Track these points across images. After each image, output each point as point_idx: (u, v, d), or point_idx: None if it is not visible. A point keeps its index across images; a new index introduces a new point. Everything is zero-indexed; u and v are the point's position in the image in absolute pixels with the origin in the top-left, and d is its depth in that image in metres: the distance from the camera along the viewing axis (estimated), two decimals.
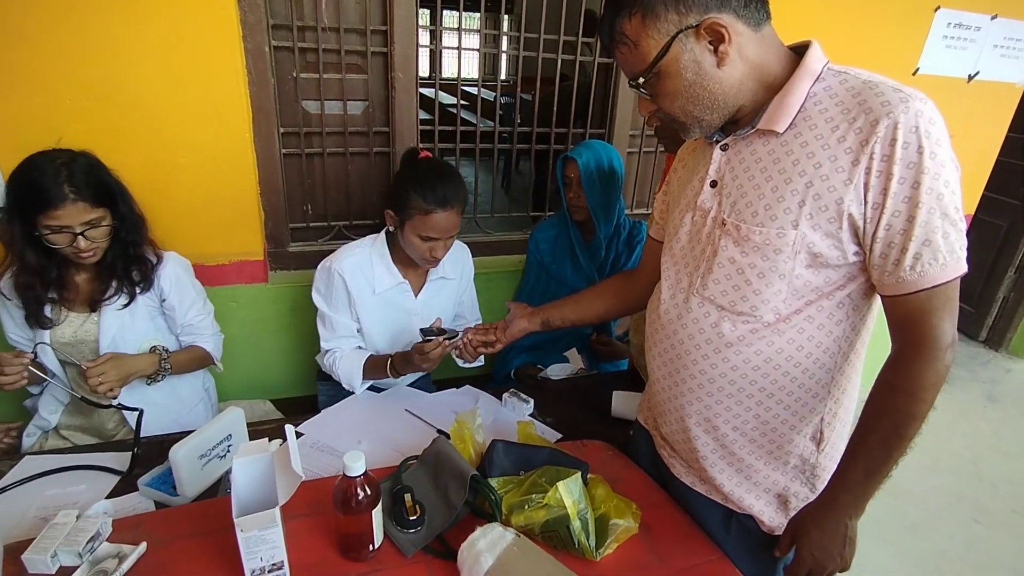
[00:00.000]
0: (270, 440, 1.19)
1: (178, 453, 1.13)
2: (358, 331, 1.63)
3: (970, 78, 2.54)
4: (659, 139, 1.50)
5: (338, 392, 1.68)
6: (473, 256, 1.80)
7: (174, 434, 1.38)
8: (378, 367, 1.57)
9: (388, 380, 1.74)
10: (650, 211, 2.47)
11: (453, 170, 1.50)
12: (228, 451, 1.26)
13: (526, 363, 2.00)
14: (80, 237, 1.31)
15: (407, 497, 1.09)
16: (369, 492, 0.98)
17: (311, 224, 1.99)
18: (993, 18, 2.45)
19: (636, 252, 1.95)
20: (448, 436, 1.26)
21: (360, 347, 1.64)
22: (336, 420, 1.50)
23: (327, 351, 1.63)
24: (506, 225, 2.34)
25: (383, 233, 1.60)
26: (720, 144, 0.97)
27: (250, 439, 1.33)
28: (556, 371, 1.85)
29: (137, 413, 1.31)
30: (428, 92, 3.04)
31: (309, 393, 1.94)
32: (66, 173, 1.27)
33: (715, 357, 0.98)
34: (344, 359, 1.61)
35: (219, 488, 1.23)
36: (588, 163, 1.82)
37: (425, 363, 1.45)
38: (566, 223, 1.95)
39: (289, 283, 1.94)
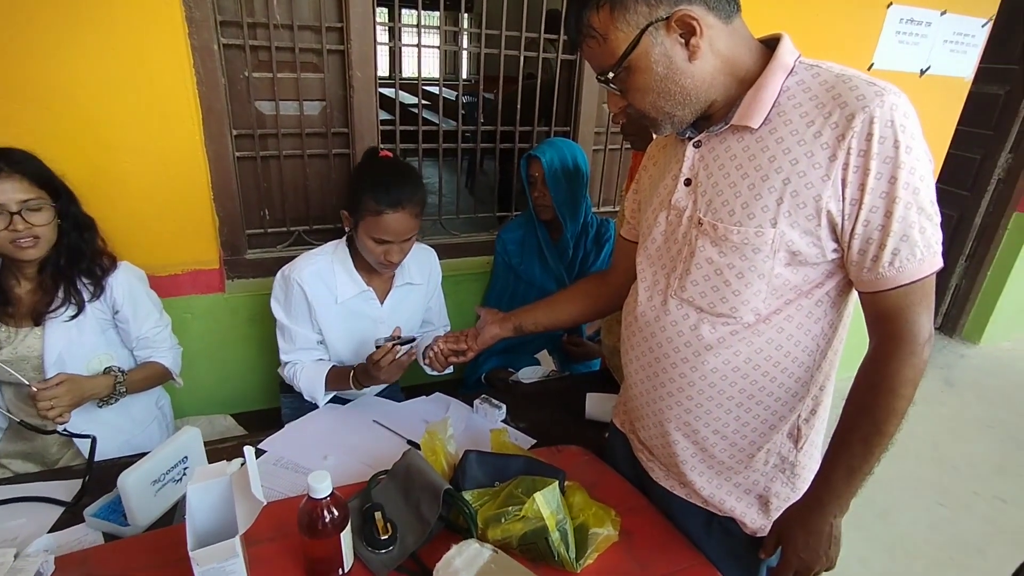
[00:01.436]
0: (231, 460, 1.13)
1: (127, 480, 1.05)
2: (320, 343, 1.56)
3: (922, 72, 2.60)
4: (625, 136, 1.47)
5: (302, 404, 1.61)
6: (440, 258, 1.75)
7: (125, 457, 1.30)
8: (341, 378, 1.51)
9: (353, 391, 1.68)
10: (617, 209, 2.46)
11: (410, 170, 1.44)
12: (184, 474, 1.19)
13: (497, 367, 1.96)
14: (16, 217, 1.21)
15: (378, 515, 1.04)
16: (336, 514, 0.93)
17: (269, 230, 1.91)
18: (943, 14, 2.52)
19: (605, 250, 1.92)
20: (419, 446, 1.21)
21: (322, 359, 1.58)
22: (300, 435, 1.43)
23: (287, 363, 1.56)
24: (472, 226, 2.29)
25: (345, 239, 1.54)
26: (693, 141, 0.95)
27: (209, 460, 1.26)
28: (528, 374, 1.82)
29: (90, 440, 1.22)
30: (388, 92, 2.98)
31: (272, 406, 1.87)
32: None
33: (695, 360, 0.95)
34: (305, 371, 1.54)
35: (175, 515, 1.16)
36: (552, 161, 1.78)
37: (381, 374, 1.39)
38: (533, 223, 1.92)
39: (247, 292, 1.86)
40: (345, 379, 1.49)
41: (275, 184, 1.88)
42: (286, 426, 1.47)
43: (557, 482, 1.05)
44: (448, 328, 1.80)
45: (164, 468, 1.14)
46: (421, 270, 1.64)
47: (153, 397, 1.58)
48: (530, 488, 1.03)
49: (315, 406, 1.54)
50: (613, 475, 1.26)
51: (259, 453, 1.33)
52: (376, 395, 1.73)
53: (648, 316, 1.02)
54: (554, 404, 1.61)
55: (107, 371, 1.37)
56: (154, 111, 1.57)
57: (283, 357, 1.56)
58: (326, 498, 0.92)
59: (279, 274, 1.51)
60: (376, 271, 1.53)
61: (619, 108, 0.94)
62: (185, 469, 1.19)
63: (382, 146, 1.80)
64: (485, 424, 1.50)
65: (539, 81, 2.20)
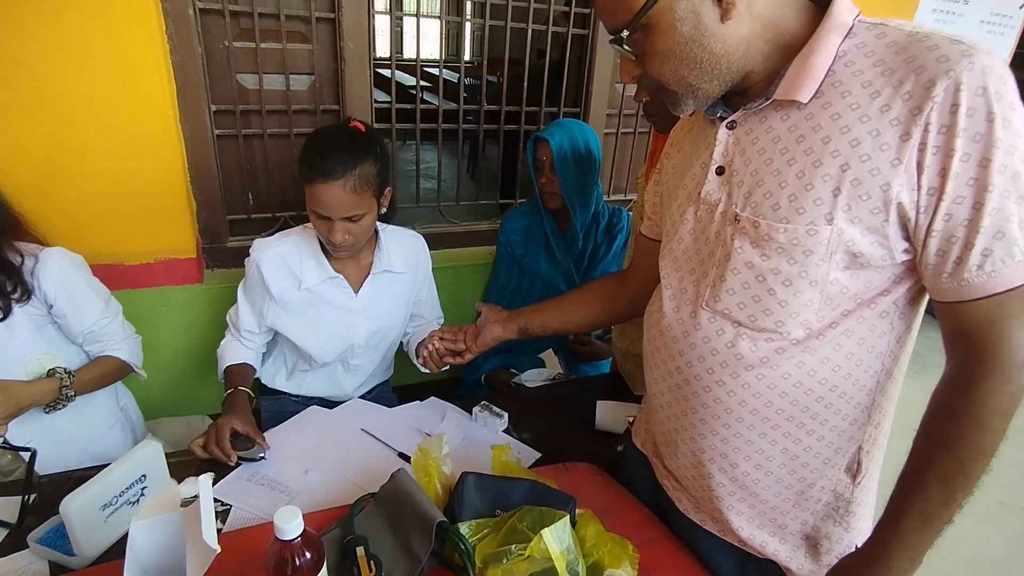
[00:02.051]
0: (203, 475, 1.00)
1: (71, 506, 0.91)
2: (261, 336, 1.46)
3: None
4: (648, 116, 1.31)
5: (283, 407, 1.48)
6: (438, 248, 1.62)
7: (81, 470, 1.16)
8: (230, 381, 1.37)
9: (339, 392, 1.55)
10: (630, 198, 2.30)
11: (358, 139, 1.27)
12: (143, 495, 1.04)
13: (497, 367, 1.81)
14: None
15: (360, 551, 0.89)
16: (308, 556, 0.78)
17: (252, 216, 1.76)
18: None
19: (617, 242, 1.77)
20: (409, 459, 1.07)
21: (246, 362, 1.43)
22: (280, 444, 1.29)
23: (227, 328, 1.47)
24: (473, 214, 2.14)
25: None
26: (726, 121, 0.79)
27: (175, 475, 1.12)
28: (531, 376, 1.67)
29: (30, 454, 1.07)
30: (385, 72, 2.81)
31: (254, 407, 1.71)
32: None
33: (733, 383, 0.80)
34: (228, 345, 1.44)
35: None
36: (561, 144, 1.63)
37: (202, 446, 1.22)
38: (539, 211, 1.76)
39: (228, 283, 1.70)
40: (228, 386, 1.34)
41: (259, 166, 1.73)
42: (264, 434, 1.33)
43: (568, 516, 0.91)
44: (441, 321, 1.66)
45: (116, 490, 1.00)
46: (405, 258, 1.49)
47: (112, 397, 1.42)
48: (537, 522, 0.89)
49: (298, 409, 1.41)
50: (629, 499, 1.12)
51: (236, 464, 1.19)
52: (365, 396, 1.60)
53: (675, 330, 0.87)
54: (561, 412, 1.47)
55: (51, 373, 1.22)
56: (121, 83, 1.41)
57: (228, 318, 1.45)
58: (296, 539, 0.78)
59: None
60: (348, 257, 1.39)
61: (633, 77, 0.78)
62: (144, 490, 1.05)
63: (377, 125, 1.65)
64: (485, 434, 1.36)
65: (547, 59, 2.03)
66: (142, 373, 1.40)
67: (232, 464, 1.18)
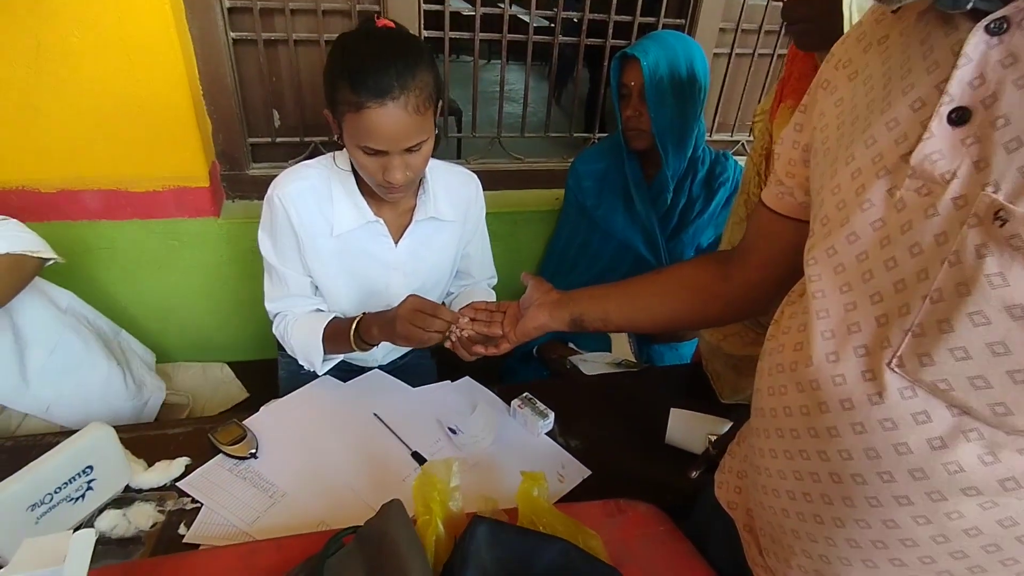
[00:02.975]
0: (173, 460, 0.91)
1: None
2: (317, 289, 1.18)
3: None
4: (790, 22, 0.88)
5: (300, 368, 1.25)
6: (495, 189, 1.28)
7: (52, 435, 1.00)
8: (342, 336, 1.10)
9: (366, 356, 1.29)
10: (735, 139, 1.86)
11: (407, 44, 0.94)
12: (89, 489, 0.85)
13: (555, 339, 1.51)
14: None
15: None
16: None
17: (278, 139, 1.50)
18: None
19: (717, 198, 1.39)
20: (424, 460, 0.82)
21: (320, 310, 1.19)
22: (275, 426, 1.07)
23: (275, 314, 1.19)
24: (543, 149, 1.78)
25: None
26: (987, 20, 0.41)
27: (152, 452, 0.94)
28: (594, 361, 1.36)
29: None
30: None
31: (273, 356, 1.52)
32: None
33: (930, 507, 0.47)
34: (298, 326, 1.16)
35: None
36: (657, 65, 1.23)
37: (412, 337, 0.98)
38: (620, 152, 1.39)
39: (249, 217, 1.48)
40: (346, 336, 1.08)
41: (286, 80, 1.45)
42: (262, 408, 1.12)
43: None
44: (494, 282, 1.37)
45: (51, 486, 0.81)
46: (455, 202, 1.18)
47: (92, 343, 1.22)
48: None
49: (313, 374, 1.18)
50: (701, 565, 0.82)
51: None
52: (397, 363, 1.36)
53: (829, 391, 0.52)
54: (622, 414, 1.16)
55: None
56: None
57: (269, 306, 1.18)
58: None
59: (266, 195, 1.10)
60: (400, 199, 1.10)
61: None
62: (91, 483, 0.85)
63: (425, 34, 1.31)
64: (522, 435, 1.09)
65: None
66: (56, 258, 1.11)
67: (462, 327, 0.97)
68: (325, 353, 1.13)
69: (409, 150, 0.96)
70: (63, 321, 1.24)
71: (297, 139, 1.51)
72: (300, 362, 1.18)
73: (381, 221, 1.12)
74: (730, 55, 1.69)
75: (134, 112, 1.26)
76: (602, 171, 1.45)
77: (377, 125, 0.91)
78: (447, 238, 1.21)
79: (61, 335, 1.22)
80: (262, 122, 1.48)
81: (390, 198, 1.06)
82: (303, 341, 1.15)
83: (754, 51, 1.71)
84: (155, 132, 1.30)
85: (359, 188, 1.09)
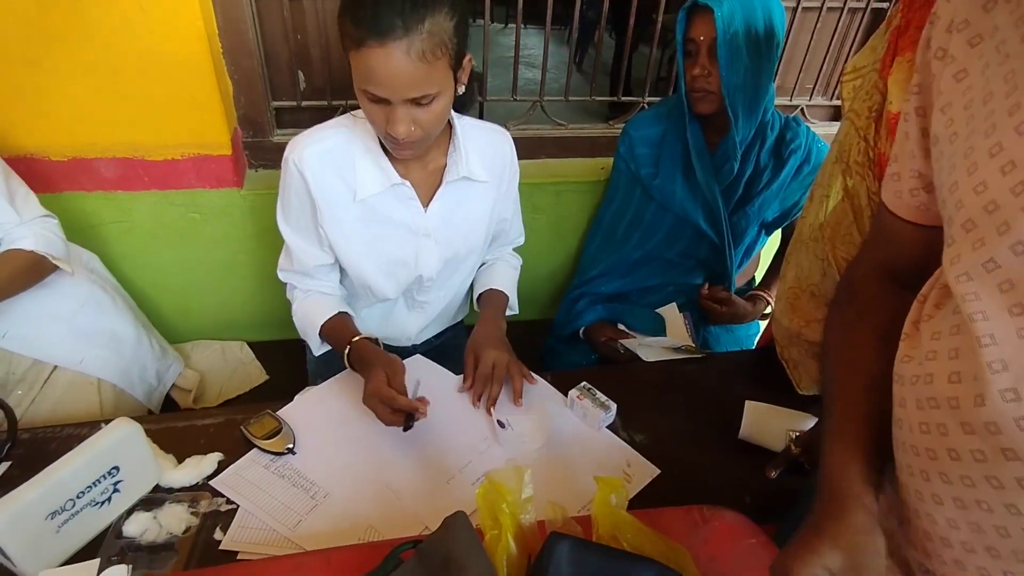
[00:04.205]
0: (205, 455, 0.84)
1: None
2: (334, 265, 1.09)
3: None
4: None
5: (330, 355, 1.16)
6: (537, 156, 1.18)
7: (73, 426, 0.91)
8: (338, 342, 1.05)
9: (399, 334, 1.24)
10: (795, 103, 1.71)
11: None
12: (115, 492, 0.77)
13: (603, 319, 1.41)
14: None
15: None
16: None
17: (304, 103, 1.38)
18: None
19: (787, 168, 1.26)
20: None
21: (330, 294, 1.12)
22: (311, 418, 0.98)
23: (287, 284, 1.13)
24: (583, 114, 1.65)
25: None
26: None
27: (180, 447, 0.86)
28: (650, 346, 1.25)
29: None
30: None
31: (298, 337, 1.44)
32: None
33: None
34: (305, 306, 1.10)
35: (101, 547, 0.76)
36: (732, 17, 1.09)
37: (374, 412, 0.92)
38: (681, 117, 1.26)
39: (274, 188, 1.33)
40: (341, 347, 1.03)
41: (312, 35, 1.32)
42: (296, 397, 1.03)
43: None
44: (520, 242, 1.27)
45: (72, 491, 0.72)
46: (488, 161, 1.07)
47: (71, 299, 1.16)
48: None
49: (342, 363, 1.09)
50: None
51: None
52: (432, 342, 1.29)
53: (1016, 438, 0.44)
54: (689, 405, 1.06)
55: None
56: None
57: (281, 275, 1.12)
58: None
59: (283, 158, 1.00)
60: (417, 157, 1.00)
61: None
62: (117, 485, 0.77)
63: None
64: (581, 429, 1.00)
65: None
66: (63, 266, 1.10)
67: (423, 414, 0.92)
68: (322, 341, 1.10)
69: (416, 103, 0.85)
70: (89, 277, 1.22)
71: (324, 102, 1.39)
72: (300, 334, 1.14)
73: (408, 184, 1.01)
74: (796, 8, 1.53)
75: (148, 69, 1.14)
76: (659, 137, 1.32)
77: (376, 66, 0.81)
78: (481, 201, 1.10)
79: (90, 290, 1.20)
80: (287, 84, 1.36)
81: (399, 154, 0.96)
82: (302, 326, 1.12)
83: (822, 5, 1.55)
84: (172, 93, 1.18)
85: (383, 148, 0.99)
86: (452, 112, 0.98)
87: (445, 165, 1.04)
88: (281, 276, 1.12)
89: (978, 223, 0.45)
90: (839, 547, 0.51)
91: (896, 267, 0.64)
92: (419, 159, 1.02)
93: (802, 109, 1.70)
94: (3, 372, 1.11)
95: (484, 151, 1.07)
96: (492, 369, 1.01)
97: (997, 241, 0.43)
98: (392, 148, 0.94)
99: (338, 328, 1.06)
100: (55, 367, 1.15)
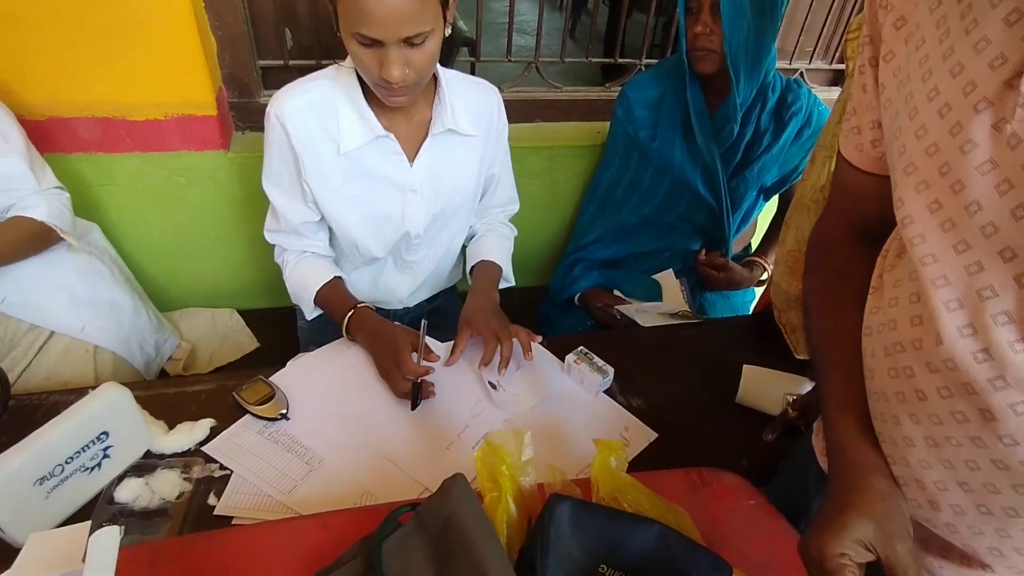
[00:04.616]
0: (196, 421, 0.82)
1: None
2: (319, 221, 1.06)
3: None
4: None
5: (324, 320, 1.13)
6: (532, 120, 1.15)
7: (59, 393, 0.89)
8: (335, 308, 1.04)
9: (389, 297, 1.23)
10: (795, 67, 1.68)
11: None
12: (105, 457, 0.75)
13: (599, 285, 1.39)
14: None
15: None
16: None
17: (291, 62, 1.33)
18: None
19: (788, 130, 1.23)
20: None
21: (321, 255, 1.11)
22: (304, 382, 0.97)
23: (275, 247, 1.11)
24: (577, 81, 1.61)
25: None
26: None
27: (170, 413, 0.84)
28: (647, 311, 1.24)
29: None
30: None
31: (289, 304, 1.41)
32: None
33: None
34: (298, 271, 1.09)
35: (93, 513, 0.74)
36: None
37: (386, 377, 0.95)
38: (680, 78, 1.22)
39: (261, 151, 1.32)
40: (339, 314, 1.03)
41: None
42: (289, 363, 1.01)
43: None
44: (514, 209, 1.24)
45: (60, 456, 0.71)
46: (475, 115, 1.04)
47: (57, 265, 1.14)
48: None
49: (335, 328, 1.07)
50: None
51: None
52: (424, 305, 1.28)
53: (973, 371, 0.45)
54: (685, 370, 1.06)
55: None
56: None
57: (268, 237, 1.10)
58: None
59: (265, 112, 0.97)
60: (401, 109, 0.98)
61: None
62: (107, 450, 0.75)
63: None
64: (578, 393, 0.99)
65: None
66: (70, 239, 1.10)
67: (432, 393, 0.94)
68: (314, 306, 1.09)
69: (410, 43, 0.83)
70: (87, 249, 1.20)
71: (313, 61, 1.34)
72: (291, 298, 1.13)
73: (392, 136, 0.99)
74: None
75: (128, 21, 1.08)
76: (657, 98, 1.29)
77: (370, 6, 0.78)
78: (468, 155, 1.08)
79: (89, 261, 1.19)
80: (273, 42, 1.31)
81: (391, 102, 0.92)
82: (295, 291, 1.10)
83: None
84: (153, 48, 1.13)
85: (366, 99, 0.96)
86: (437, 65, 0.95)
87: (431, 118, 1.01)
88: (268, 237, 1.09)
89: (919, 166, 0.46)
90: (867, 517, 0.50)
91: (863, 224, 0.64)
92: (404, 111, 0.99)
93: (801, 73, 1.67)
94: None
95: (470, 105, 1.04)
96: (496, 338, 0.99)
97: (938, 182, 0.44)
98: (385, 96, 0.91)
99: (334, 296, 1.05)
100: (52, 333, 1.13)
